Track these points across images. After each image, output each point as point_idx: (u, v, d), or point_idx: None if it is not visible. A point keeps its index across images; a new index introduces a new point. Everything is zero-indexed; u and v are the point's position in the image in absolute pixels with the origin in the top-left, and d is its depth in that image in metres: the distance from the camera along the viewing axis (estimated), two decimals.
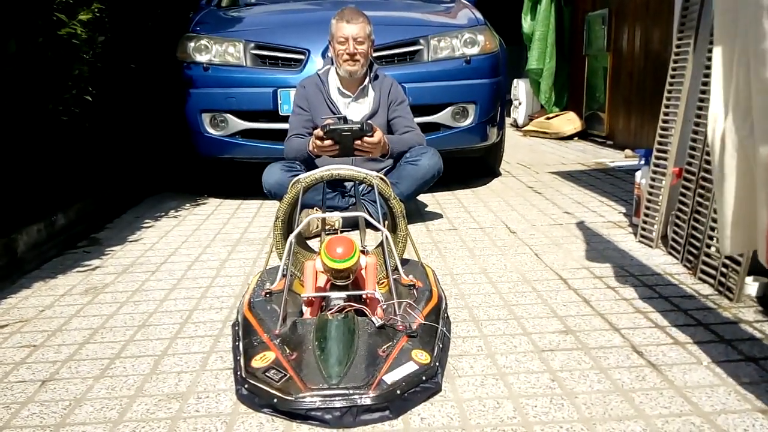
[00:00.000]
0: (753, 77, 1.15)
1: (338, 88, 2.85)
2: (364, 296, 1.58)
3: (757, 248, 1.24)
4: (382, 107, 2.85)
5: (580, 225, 2.71)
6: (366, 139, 2.58)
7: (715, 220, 1.91)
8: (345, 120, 2.60)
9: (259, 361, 1.39)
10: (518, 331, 1.65)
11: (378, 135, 2.61)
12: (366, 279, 1.60)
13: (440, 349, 1.46)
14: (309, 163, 2.76)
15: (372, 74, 2.87)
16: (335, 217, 2.64)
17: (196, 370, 1.49)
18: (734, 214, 1.28)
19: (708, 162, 2.01)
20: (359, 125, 2.56)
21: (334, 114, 2.78)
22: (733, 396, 1.30)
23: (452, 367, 1.45)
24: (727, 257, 1.83)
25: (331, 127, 2.55)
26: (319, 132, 2.58)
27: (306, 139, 2.76)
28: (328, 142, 2.58)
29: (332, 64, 2.87)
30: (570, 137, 5.78)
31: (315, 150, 2.66)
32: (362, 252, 1.66)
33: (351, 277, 1.53)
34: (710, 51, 1.82)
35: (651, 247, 2.33)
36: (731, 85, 1.26)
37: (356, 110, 2.86)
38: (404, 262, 1.96)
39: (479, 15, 3.70)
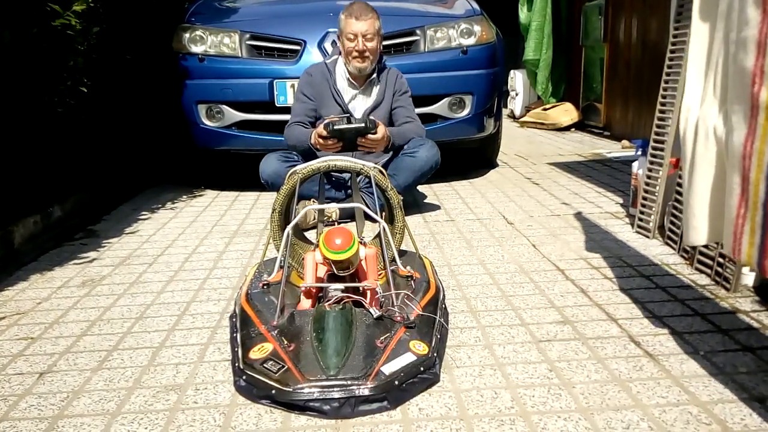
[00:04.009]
0: (731, 65, 1.13)
1: (346, 80, 2.84)
2: (362, 287, 1.58)
3: (722, 240, 1.23)
4: (387, 99, 2.85)
5: (578, 216, 2.71)
6: (369, 136, 2.58)
7: None
8: (349, 120, 2.60)
9: (257, 353, 1.39)
10: (516, 321, 1.65)
11: (381, 131, 2.61)
12: (366, 270, 1.60)
13: (438, 339, 1.46)
14: (307, 154, 2.75)
15: (379, 66, 2.87)
16: (332, 209, 2.64)
17: (194, 362, 1.49)
18: (702, 204, 1.27)
19: None
20: (363, 124, 2.56)
21: (339, 104, 2.77)
22: (730, 385, 1.30)
23: (450, 358, 1.46)
24: None
25: (335, 127, 2.55)
26: (322, 131, 2.58)
27: (308, 130, 2.75)
28: (330, 140, 2.58)
29: (340, 54, 2.86)
30: (567, 128, 5.78)
31: (317, 145, 2.66)
32: (362, 244, 1.66)
33: (351, 268, 1.53)
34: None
35: (648, 237, 2.34)
36: (709, 73, 1.25)
37: (361, 102, 2.86)
38: (402, 253, 1.96)
39: (476, 5, 3.68)
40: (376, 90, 2.86)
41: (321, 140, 2.60)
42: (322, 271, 1.60)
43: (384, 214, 2.01)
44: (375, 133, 2.58)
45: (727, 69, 1.16)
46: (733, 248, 1.14)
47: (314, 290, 1.58)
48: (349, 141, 2.58)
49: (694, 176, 1.27)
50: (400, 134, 2.79)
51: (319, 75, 2.85)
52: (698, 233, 1.30)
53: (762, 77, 1.04)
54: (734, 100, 1.12)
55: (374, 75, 2.84)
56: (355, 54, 2.73)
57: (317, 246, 1.60)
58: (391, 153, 2.84)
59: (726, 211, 1.16)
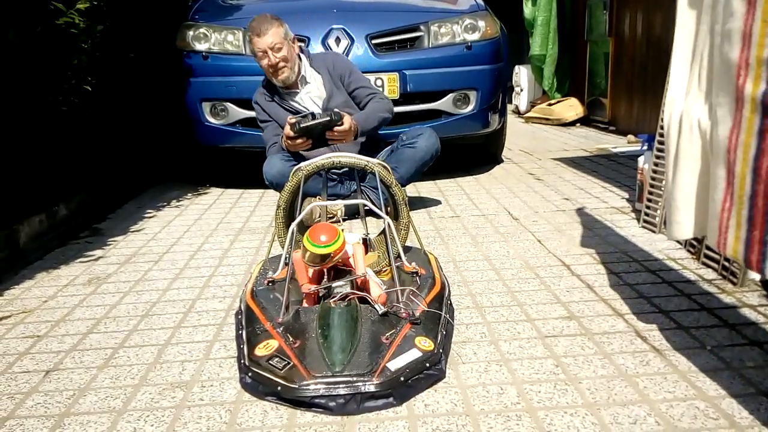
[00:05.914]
0: (717, 57, 1.12)
1: (282, 90, 2.84)
2: (354, 279, 1.57)
3: (706, 234, 1.22)
4: (336, 86, 2.83)
5: (583, 211, 2.70)
6: (336, 128, 2.58)
7: None
8: (313, 115, 2.59)
9: (262, 350, 1.39)
10: (521, 317, 1.65)
11: (347, 121, 2.60)
12: (355, 264, 1.59)
13: (444, 335, 1.46)
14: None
15: (307, 61, 2.85)
16: (337, 205, 2.64)
17: (199, 359, 1.49)
18: (687, 199, 1.26)
19: None
20: (328, 116, 2.56)
21: (293, 113, 2.76)
22: (737, 380, 1.29)
23: (456, 354, 1.45)
24: None
25: (302, 125, 2.55)
26: (289, 132, 2.58)
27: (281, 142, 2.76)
28: (300, 139, 2.58)
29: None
30: (572, 123, 5.76)
31: (288, 147, 2.65)
32: (364, 242, 1.66)
33: (326, 262, 1.52)
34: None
35: (654, 232, 2.33)
36: (694, 66, 1.24)
37: (309, 101, 2.85)
38: (407, 249, 1.96)
39: (480, 1, 3.67)
40: (318, 83, 2.84)
41: (290, 141, 2.61)
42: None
43: (389, 210, 2.01)
44: (342, 124, 2.58)
45: (713, 61, 1.15)
46: (718, 242, 1.13)
47: (314, 286, 1.58)
48: (317, 137, 2.58)
49: (678, 170, 1.26)
50: (367, 118, 2.75)
51: (263, 98, 2.87)
52: (682, 228, 1.29)
53: (747, 69, 1.02)
54: (719, 93, 1.10)
55: (303, 71, 2.83)
56: (270, 70, 2.73)
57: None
58: (364, 138, 2.82)
59: (711, 205, 1.15)
